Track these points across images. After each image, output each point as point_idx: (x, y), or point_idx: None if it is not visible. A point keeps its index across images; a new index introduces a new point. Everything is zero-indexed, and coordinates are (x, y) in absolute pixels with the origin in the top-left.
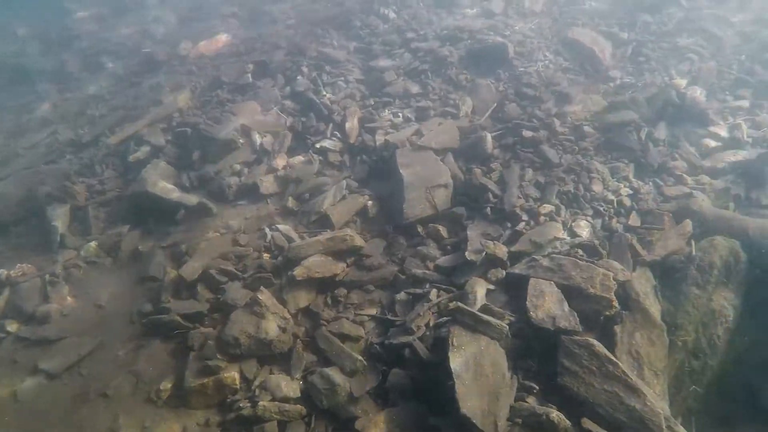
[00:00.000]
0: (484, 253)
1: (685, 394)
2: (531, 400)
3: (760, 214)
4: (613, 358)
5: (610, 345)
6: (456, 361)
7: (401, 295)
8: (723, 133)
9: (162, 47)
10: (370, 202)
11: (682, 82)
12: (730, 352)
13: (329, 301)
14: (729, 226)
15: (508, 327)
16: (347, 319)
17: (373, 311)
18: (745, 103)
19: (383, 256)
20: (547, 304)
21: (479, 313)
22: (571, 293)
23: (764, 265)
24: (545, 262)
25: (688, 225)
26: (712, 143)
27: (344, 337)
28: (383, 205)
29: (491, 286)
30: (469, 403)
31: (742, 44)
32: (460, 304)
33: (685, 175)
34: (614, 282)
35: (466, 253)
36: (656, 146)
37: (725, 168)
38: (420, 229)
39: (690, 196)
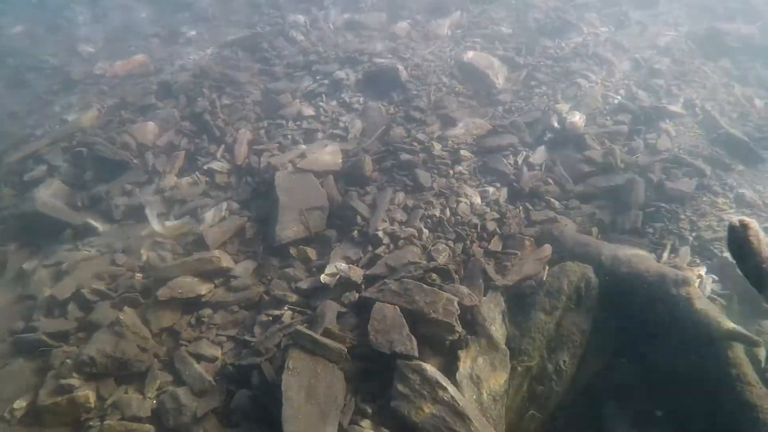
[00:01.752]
0: (338, 277)
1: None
2: (365, 423)
3: (620, 240)
4: (443, 382)
5: (454, 369)
6: (289, 384)
7: (262, 317)
8: (598, 158)
9: (85, 66)
10: (248, 224)
11: (565, 107)
12: (579, 377)
13: (193, 321)
14: (586, 252)
15: (347, 350)
16: (207, 339)
17: (234, 332)
18: (624, 129)
19: (253, 277)
20: (388, 328)
21: (317, 336)
22: (416, 318)
23: (613, 292)
24: (394, 286)
25: (547, 250)
26: (586, 168)
27: (200, 357)
28: (262, 226)
29: (343, 309)
30: (294, 425)
31: (632, 70)
32: (299, 327)
33: (553, 200)
34: (458, 307)
35: (321, 276)
36: (531, 170)
37: (596, 193)
38: (292, 250)
39: (554, 221)
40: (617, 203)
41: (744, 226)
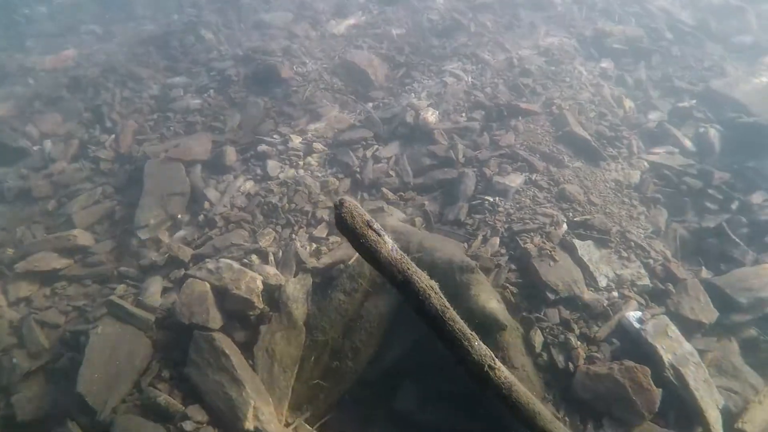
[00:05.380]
0: (167, 255)
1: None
2: (162, 386)
3: (441, 230)
4: (228, 352)
5: (254, 342)
6: (92, 346)
7: (105, 290)
8: (441, 152)
9: (28, 59)
10: (118, 207)
11: (424, 104)
12: (383, 357)
13: (48, 292)
14: (398, 239)
15: (158, 321)
16: (57, 308)
17: (82, 303)
18: (476, 125)
19: (109, 255)
20: (192, 302)
21: (127, 306)
22: (222, 294)
23: None
24: (211, 264)
25: None
26: (428, 161)
27: (44, 324)
28: (131, 210)
29: (169, 285)
30: (88, 383)
31: (506, 69)
32: (112, 297)
33: (388, 191)
34: (261, 285)
35: (153, 255)
36: (378, 163)
37: (432, 185)
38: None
39: (381, 211)
40: (449, 195)
41: (340, 204)
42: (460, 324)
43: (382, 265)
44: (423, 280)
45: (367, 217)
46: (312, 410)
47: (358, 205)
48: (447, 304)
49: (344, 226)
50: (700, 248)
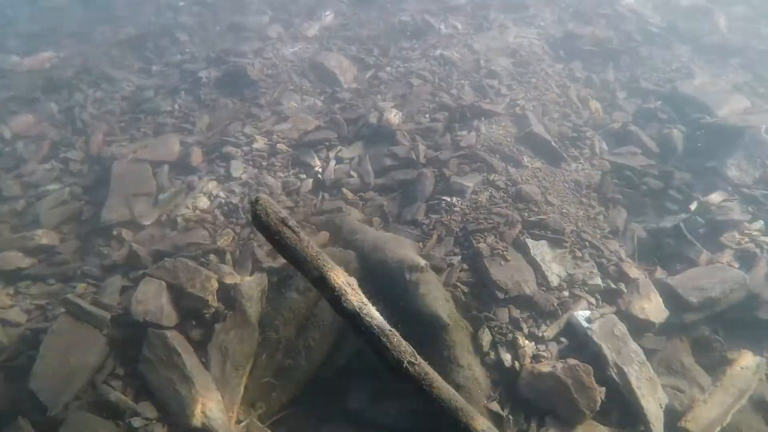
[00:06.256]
0: (127, 254)
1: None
2: (116, 384)
3: (398, 230)
4: (179, 349)
5: (209, 340)
6: (47, 344)
7: (68, 289)
8: (401, 153)
9: (7, 59)
10: (86, 207)
11: (387, 105)
12: (337, 356)
13: (11, 291)
14: (355, 239)
15: (114, 318)
16: (20, 307)
17: (45, 302)
18: (439, 126)
19: (74, 254)
20: (147, 300)
21: (83, 304)
22: (178, 292)
23: (369, 277)
24: (168, 263)
25: (322, 237)
26: (389, 162)
27: (5, 323)
28: (98, 210)
29: (129, 283)
30: (41, 380)
31: (473, 71)
32: (68, 295)
33: (348, 191)
34: (216, 284)
35: (114, 254)
36: (340, 164)
37: (393, 185)
38: (114, 231)
39: (340, 210)
40: (408, 196)
41: (255, 201)
42: (378, 320)
43: (298, 261)
44: (340, 276)
45: (283, 214)
46: (264, 408)
47: (274, 203)
48: (365, 300)
49: (259, 223)
50: (658, 248)
